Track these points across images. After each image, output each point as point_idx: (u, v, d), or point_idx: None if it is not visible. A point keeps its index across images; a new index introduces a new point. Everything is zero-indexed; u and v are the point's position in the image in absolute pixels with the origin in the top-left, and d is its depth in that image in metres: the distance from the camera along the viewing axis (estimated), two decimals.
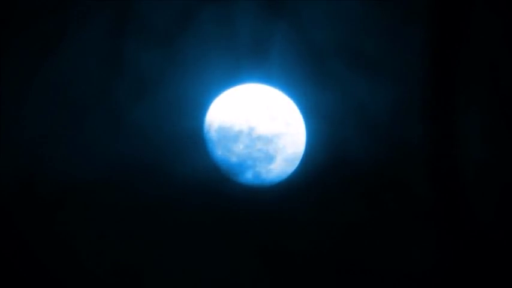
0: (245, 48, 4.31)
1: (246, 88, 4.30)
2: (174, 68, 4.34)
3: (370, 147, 4.32)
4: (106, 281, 4.28)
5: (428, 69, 4.32)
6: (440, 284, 4.26)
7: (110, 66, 4.32)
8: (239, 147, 4.24)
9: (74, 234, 4.30)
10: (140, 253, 4.31)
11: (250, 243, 4.32)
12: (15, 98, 4.32)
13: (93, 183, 4.30)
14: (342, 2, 4.33)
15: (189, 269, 4.31)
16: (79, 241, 4.29)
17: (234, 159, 4.26)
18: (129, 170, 4.32)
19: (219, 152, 4.27)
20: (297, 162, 4.32)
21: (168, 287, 4.31)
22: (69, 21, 4.32)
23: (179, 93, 4.34)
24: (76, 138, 4.33)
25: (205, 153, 4.31)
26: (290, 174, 4.33)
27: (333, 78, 4.32)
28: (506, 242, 4.23)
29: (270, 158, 4.26)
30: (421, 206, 4.29)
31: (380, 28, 4.33)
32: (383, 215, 4.30)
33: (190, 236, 4.32)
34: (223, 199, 4.33)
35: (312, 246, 4.31)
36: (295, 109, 4.31)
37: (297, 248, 4.31)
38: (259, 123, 4.24)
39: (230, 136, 4.24)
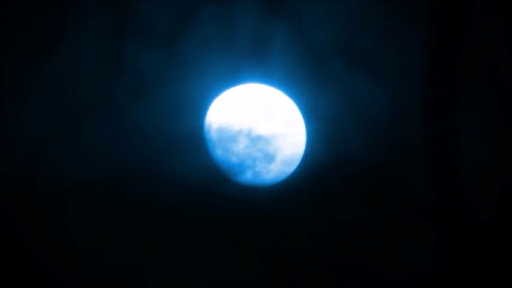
0: (245, 48, 4.31)
1: (246, 88, 4.30)
2: (174, 68, 4.34)
3: (370, 147, 4.32)
4: (106, 281, 4.29)
5: (428, 69, 4.32)
6: (440, 284, 4.26)
7: (110, 66, 4.32)
8: (239, 147, 4.24)
9: (74, 234, 4.30)
10: (140, 253, 4.31)
11: (250, 243, 4.32)
12: (15, 98, 4.32)
13: (93, 183, 4.30)
14: (342, 2, 4.33)
15: (189, 269, 4.32)
16: (79, 241, 4.29)
17: (233, 159, 4.26)
18: (129, 170, 4.32)
19: (219, 152, 4.27)
20: (296, 162, 4.32)
21: (168, 287, 4.31)
22: (69, 21, 4.32)
23: (179, 93, 4.34)
24: (76, 138, 4.33)
25: (205, 153, 4.31)
26: (290, 174, 4.33)
27: (333, 78, 4.32)
28: (506, 242, 4.23)
29: (269, 158, 4.26)
30: (421, 206, 4.29)
31: (380, 28, 4.33)
32: (383, 215, 4.30)
33: (190, 236, 4.32)
34: (223, 199, 4.33)
35: (312, 246, 4.31)
36: (295, 109, 4.31)
37: (297, 248, 4.32)
38: (259, 123, 4.24)
39: (230, 136, 4.24)
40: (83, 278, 4.28)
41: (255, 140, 4.23)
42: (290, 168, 4.32)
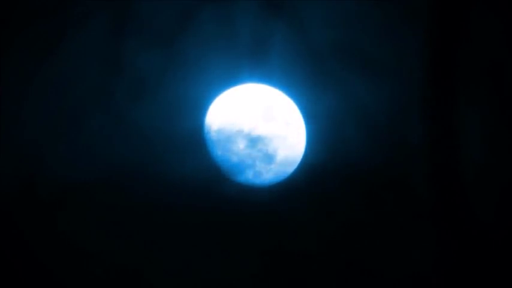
0: (245, 48, 4.31)
1: (245, 88, 4.30)
2: (174, 68, 4.34)
3: (370, 147, 4.32)
4: (106, 281, 4.29)
5: (428, 69, 4.32)
6: (440, 284, 4.26)
7: (110, 66, 4.32)
8: (239, 148, 4.24)
9: (74, 234, 4.30)
10: (140, 253, 4.31)
11: (250, 243, 4.32)
12: (15, 98, 4.32)
13: (93, 183, 4.30)
14: (342, 2, 4.33)
15: (189, 269, 4.32)
16: (79, 241, 4.29)
17: (233, 159, 4.26)
18: (129, 170, 4.32)
19: (218, 152, 4.27)
20: (296, 162, 4.32)
21: (168, 287, 4.31)
22: (69, 21, 4.32)
23: (179, 93, 4.34)
24: (76, 138, 4.33)
25: (205, 153, 4.31)
26: (290, 174, 4.33)
27: (332, 78, 4.32)
28: (506, 242, 4.23)
29: (269, 158, 4.26)
30: (421, 206, 4.29)
31: (380, 28, 4.33)
32: (383, 215, 4.30)
33: (190, 236, 4.32)
34: (223, 199, 4.33)
35: (311, 246, 4.31)
36: (295, 109, 4.31)
37: (297, 248, 4.32)
38: (259, 123, 4.24)
39: (230, 136, 4.24)
40: (83, 278, 4.28)
41: (255, 140, 4.23)
42: (290, 168, 4.32)
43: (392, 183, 4.30)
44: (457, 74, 4.30)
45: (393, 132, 4.33)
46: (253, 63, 4.32)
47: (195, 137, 4.33)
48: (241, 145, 4.24)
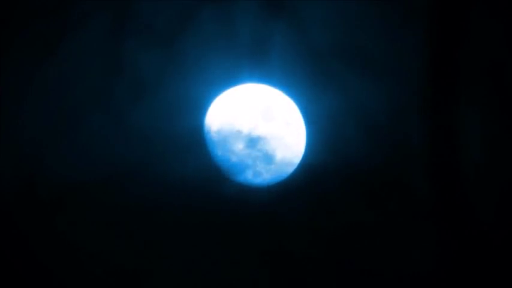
0: (245, 48, 4.31)
1: (245, 88, 4.30)
2: (174, 68, 4.34)
3: (370, 147, 4.32)
4: (106, 282, 4.28)
5: (428, 69, 4.32)
6: (440, 284, 4.26)
7: (110, 66, 4.32)
8: (239, 147, 4.24)
9: (74, 234, 4.30)
10: (140, 253, 4.31)
11: (250, 243, 4.32)
12: (15, 98, 4.32)
13: (93, 183, 4.30)
14: (342, 2, 4.33)
15: (189, 269, 4.31)
16: (79, 241, 4.29)
17: (233, 159, 4.26)
18: (128, 170, 4.32)
19: (219, 152, 4.27)
20: (296, 162, 4.32)
21: (168, 287, 4.31)
22: (69, 21, 4.32)
23: (179, 94, 4.34)
24: (76, 138, 4.33)
25: (205, 153, 4.31)
26: (290, 174, 4.33)
27: (332, 78, 4.32)
28: (506, 242, 4.23)
29: (269, 158, 4.26)
30: (421, 206, 4.29)
31: (380, 28, 4.33)
32: (383, 215, 4.30)
33: (190, 236, 4.32)
34: (223, 199, 4.33)
35: (311, 246, 4.31)
36: (295, 109, 4.31)
37: (297, 248, 4.31)
38: (259, 123, 4.24)
39: (230, 136, 4.24)
40: (83, 278, 4.28)
41: (255, 140, 4.23)
42: (290, 168, 4.32)
43: (392, 183, 4.30)
44: (457, 74, 4.30)
45: (393, 132, 4.33)
46: (253, 63, 4.32)
47: (195, 137, 4.33)
48: (241, 145, 4.24)
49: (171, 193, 4.32)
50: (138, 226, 4.31)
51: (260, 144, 4.24)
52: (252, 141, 4.23)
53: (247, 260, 4.31)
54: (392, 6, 4.31)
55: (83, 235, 4.30)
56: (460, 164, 4.28)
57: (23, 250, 4.27)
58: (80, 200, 4.31)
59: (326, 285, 4.30)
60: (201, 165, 4.32)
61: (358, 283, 4.29)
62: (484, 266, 4.23)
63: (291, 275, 4.31)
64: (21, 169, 4.30)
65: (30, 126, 4.33)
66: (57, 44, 4.32)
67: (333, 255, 4.30)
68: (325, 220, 4.32)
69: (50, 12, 4.31)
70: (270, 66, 4.31)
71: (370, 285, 4.29)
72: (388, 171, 4.31)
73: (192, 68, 4.34)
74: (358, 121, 4.32)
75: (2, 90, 4.31)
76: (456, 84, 4.31)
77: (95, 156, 4.33)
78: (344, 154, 4.32)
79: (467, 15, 4.30)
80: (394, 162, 4.31)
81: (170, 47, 4.32)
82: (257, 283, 4.31)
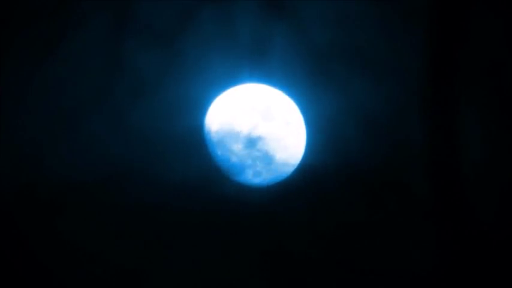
0: (245, 48, 4.31)
1: (246, 88, 4.30)
2: (174, 68, 4.34)
3: (370, 147, 4.32)
4: (106, 281, 4.28)
5: (428, 69, 4.32)
6: (440, 284, 4.26)
7: (110, 66, 4.32)
8: (239, 147, 4.24)
9: (74, 234, 4.30)
10: (140, 253, 4.31)
11: (250, 243, 4.32)
12: (15, 98, 4.32)
13: (92, 183, 4.30)
14: (342, 2, 4.33)
15: (189, 269, 4.31)
16: (79, 241, 4.29)
17: (234, 159, 4.26)
18: (128, 170, 4.32)
19: (218, 152, 4.27)
20: (296, 162, 4.32)
21: (168, 287, 4.31)
22: (69, 22, 4.32)
23: (179, 94, 4.34)
24: (76, 138, 4.33)
25: (205, 153, 4.31)
26: (290, 174, 4.33)
27: (332, 78, 4.32)
28: (506, 242, 4.23)
29: (269, 158, 4.26)
30: (421, 206, 4.29)
31: (380, 28, 4.33)
32: (383, 214, 4.30)
33: (190, 236, 4.32)
34: (223, 199, 4.32)
35: (311, 246, 4.31)
36: (295, 109, 4.31)
37: (297, 248, 4.31)
38: (259, 123, 4.24)
39: (230, 136, 4.24)
40: (83, 278, 4.28)
41: (255, 140, 4.23)
42: (290, 168, 4.32)
43: (393, 183, 4.30)
44: (457, 74, 4.30)
45: (393, 132, 4.33)
46: (253, 63, 4.32)
47: (195, 137, 4.33)
48: (240, 145, 4.24)
49: (171, 193, 4.32)
50: (138, 226, 4.31)
51: (260, 144, 4.24)
52: (252, 141, 4.23)
53: (247, 260, 4.31)
54: (392, 6, 4.31)
55: (83, 235, 4.30)
56: (460, 164, 4.28)
57: (23, 250, 4.27)
58: (80, 200, 4.31)
59: (326, 285, 4.30)
60: (201, 165, 4.32)
61: (358, 283, 4.29)
62: (484, 266, 4.23)
63: (291, 275, 4.31)
64: (21, 169, 4.30)
65: (30, 126, 4.33)
66: (57, 44, 4.32)
67: (333, 255, 4.30)
68: (325, 220, 4.32)
69: (50, 12, 4.31)
70: (270, 66, 4.31)
71: (370, 285, 4.29)
72: (388, 171, 4.31)
73: (192, 68, 4.34)
74: (358, 121, 4.32)
75: (2, 90, 4.31)
76: (456, 84, 4.31)
77: (94, 156, 4.32)
78: (344, 154, 4.32)
79: (467, 15, 4.30)
80: (394, 162, 4.31)
81: (170, 47, 4.32)
82: (257, 283, 4.31)
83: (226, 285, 4.31)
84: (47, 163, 4.31)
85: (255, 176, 4.29)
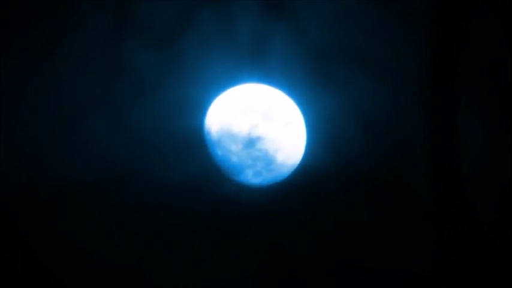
0: (245, 48, 4.31)
1: (246, 88, 4.30)
2: (174, 68, 4.34)
3: (370, 147, 4.32)
4: (106, 282, 4.29)
5: (428, 69, 4.32)
6: (440, 283, 4.26)
7: (110, 66, 4.32)
8: (239, 147, 4.24)
9: (74, 234, 4.30)
10: (140, 254, 4.31)
11: (250, 243, 4.32)
12: (14, 98, 4.32)
13: (92, 183, 4.30)
14: (342, 2, 4.32)
15: (189, 269, 4.32)
16: (79, 241, 4.29)
17: (234, 159, 4.26)
18: (128, 171, 4.32)
19: (219, 152, 4.27)
20: (296, 162, 4.32)
21: (168, 287, 4.31)
22: (69, 22, 4.32)
23: (179, 94, 4.34)
24: (76, 138, 4.33)
25: (205, 153, 4.31)
26: (290, 174, 4.33)
27: (333, 78, 4.32)
28: (506, 242, 4.23)
29: (269, 158, 4.26)
30: (421, 206, 4.29)
31: (380, 28, 4.33)
32: (383, 215, 4.30)
33: (190, 236, 4.32)
34: (222, 199, 4.33)
35: (311, 246, 4.31)
36: (295, 109, 4.31)
37: (297, 248, 4.31)
38: (259, 123, 4.24)
39: (230, 136, 4.24)
40: (83, 278, 4.28)
41: (255, 139, 4.23)
42: (290, 168, 4.32)
43: (393, 183, 4.30)
44: (457, 74, 4.30)
45: (393, 132, 4.33)
46: (253, 63, 4.32)
47: (195, 137, 4.33)
48: (241, 145, 4.24)
49: (171, 193, 4.32)
50: (138, 226, 4.31)
51: (260, 144, 4.24)
52: (252, 141, 4.23)
53: (247, 260, 4.31)
54: (392, 6, 4.31)
55: (83, 235, 4.30)
56: (460, 164, 4.28)
57: (23, 250, 4.27)
58: (80, 200, 4.31)
59: (326, 285, 4.30)
60: (201, 165, 4.32)
61: (358, 283, 4.30)
62: (484, 266, 4.23)
63: (291, 275, 4.31)
64: (21, 169, 4.30)
65: (30, 127, 4.33)
66: (57, 44, 4.32)
67: (333, 255, 4.30)
68: (325, 220, 4.32)
69: (50, 12, 4.31)
70: (270, 67, 4.31)
71: (370, 285, 4.29)
72: (388, 171, 4.31)
73: (192, 68, 4.34)
74: (358, 121, 4.32)
75: (2, 90, 4.31)
76: (456, 84, 4.31)
77: (94, 156, 4.33)
78: (344, 154, 4.32)
79: (467, 15, 4.30)
80: (394, 162, 4.31)
81: (170, 47, 4.32)
82: (257, 283, 4.31)
83: (226, 285, 4.31)
84: (47, 163, 4.31)
85: (255, 176, 4.29)
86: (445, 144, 4.30)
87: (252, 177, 4.29)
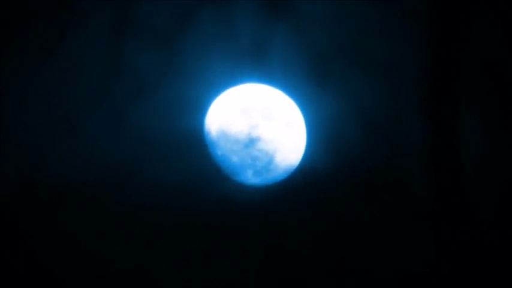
0: (245, 48, 4.31)
1: (246, 88, 4.30)
2: (174, 68, 4.34)
3: (370, 148, 4.32)
4: (106, 282, 4.29)
5: (428, 69, 4.32)
6: (440, 284, 4.26)
7: (110, 66, 4.32)
8: (239, 147, 4.24)
9: (74, 234, 4.30)
10: (140, 253, 4.31)
11: (250, 243, 4.32)
12: (14, 98, 4.32)
13: (92, 183, 4.30)
14: (342, 2, 4.32)
15: (189, 269, 4.32)
16: (79, 241, 4.30)
17: (234, 159, 4.26)
18: (128, 171, 4.32)
19: (218, 152, 4.27)
20: (296, 162, 4.32)
21: (168, 287, 4.31)
22: (69, 22, 4.32)
23: (179, 94, 4.34)
24: (76, 138, 4.33)
25: (205, 153, 4.31)
26: (290, 174, 4.33)
27: (333, 78, 4.32)
28: (506, 242, 4.23)
29: (269, 158, 4.26)
30: (421, 206, 4.29)
31: (380, 28, 4.33)
32: (383, 215, 4.30)
33: (190, 236, 4.32)
34: (223, 199, 4.33)
35: (311, 246, 4.31)
36: (295, 109, 4.31)
37: (297, 248, 4.31)
38: (259, 123, 4.24)
39: (230, 136, 4.24)
40: (83, 278, 4.28)
41: (255, 140, 4.23)
42: (290, 168, 4.31)
43: (392, 183, 4.30)
44: (457, 74, 4.30)
45: (393, 132, 4.33)
46: (253, 63, 4.32)
47: (195, 137, 4.33)
48: (240, 145, 4.24)
49: (171, 193, 4.32)
50: (138, 226, 4.31)
51: (260, 144, 4.24)
52: (252, 141, 4.23)
53: (247, 259, 4.31)
54: (392, 6, 4.31)
55: (83, 235, 4.30)
56: (460, 164, 4.28)
57: (23, 250, 4.27)
58: (79, 200, 4.31)
59: (326, 285, 4.30)
60: (201, 165, 4.32)
61: (358, 283, 4.29)
62: (484, 266, 4.23)
63: (291, 275, 4.31)
64: (21, 169, 4.31)
65: (30, 127, 4.33)
66: (57, 44, 4.32)
67: (333, 255, 4.30)
68: (325, 220, 4.32)
69: (50, 12, 4.31)
70: (270, 67, 4.31)
71: (370, 285, 4.29)
72: (388, 171, 4.31)
73: (192, 68, 4.34)
74: (358, 121, 4.32)
75: (2, 91, 4.31)
76: (456, 84, 4.31)
77: (94, 156, 4.33)
78: (344, 154, 4.32)
79: (467, 15, 4.29)
80: (394, 162, 4.31)
81: (170, 47, 4.32)
82: (257, 283, 4.31)
83: (226, 285, 4.31)
84: (47, 163, 4.31)
85: (255, 176, 4.29)
86: (445, 144, 4.30)
87: (252, 177, 4.29)
